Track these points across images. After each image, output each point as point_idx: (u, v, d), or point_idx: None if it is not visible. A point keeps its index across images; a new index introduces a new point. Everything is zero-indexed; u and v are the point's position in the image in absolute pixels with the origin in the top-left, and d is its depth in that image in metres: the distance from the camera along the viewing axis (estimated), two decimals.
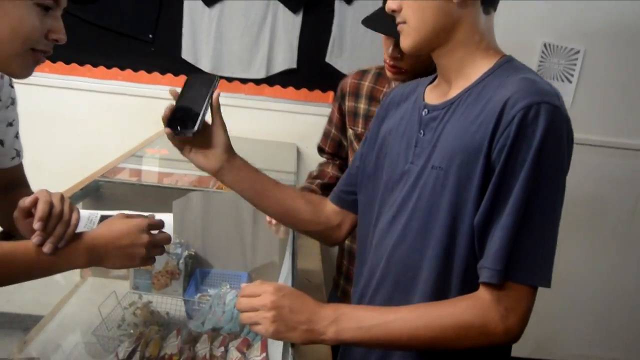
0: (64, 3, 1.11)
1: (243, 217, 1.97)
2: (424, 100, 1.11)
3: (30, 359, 1.28)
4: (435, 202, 1.00)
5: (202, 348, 1.30)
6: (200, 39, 2.95)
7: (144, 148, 2.61)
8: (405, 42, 1.05)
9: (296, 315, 0.96)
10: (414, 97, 1.15)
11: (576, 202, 3.05)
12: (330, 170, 2.01)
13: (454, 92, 1.05)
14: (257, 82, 3.00)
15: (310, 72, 2.97)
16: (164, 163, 2.69)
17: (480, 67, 1.03)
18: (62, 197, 1.10)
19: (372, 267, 1.14)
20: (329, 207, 1.32)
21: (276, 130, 3.03)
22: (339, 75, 2.86)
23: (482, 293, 0.96)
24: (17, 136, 1.40)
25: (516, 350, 1.15)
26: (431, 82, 1.15)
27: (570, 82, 3.00)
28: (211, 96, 1.14)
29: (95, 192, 1.95)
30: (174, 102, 1.16)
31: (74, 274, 1.81)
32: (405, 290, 1.07)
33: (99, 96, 3.01)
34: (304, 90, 3.00)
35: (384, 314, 0.98)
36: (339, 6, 2.90)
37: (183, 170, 2.54)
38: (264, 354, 1.29)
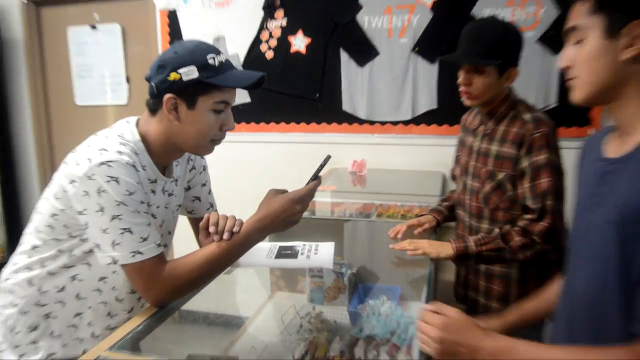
0: (232, 102, 1.26)
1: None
2: (603, 152, 0.99)
3: (231, 358, 1.45)
4: (609, 254, 0.89)
5: (358, 351, 1.36)
6: (356, 92, 3.04)
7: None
8: (576, 96, 0.96)
9: (459, 348, 0.95)
10: (597, 147, 1.03)
11: None
12: (455, 194, 1.96)
13: (629, 147, 0.92)
14: (406, 122, 3.00)
15: (449, 110, 2.90)
16: (335, 195, 2.81)
17: None
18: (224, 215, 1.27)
19: (565, 301, 1.06)
20: None
21: (424, 161, 2.99)
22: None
23: (638, 345, 0.84)
24: (210, 192, 1.55)
25: None
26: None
27: None
28: (320, 167, 1.31)
29: None
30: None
31: (266, 290, 1.97)
32: (592, 321, 0.96)
33: (281, 146, 3.22)
34: (445, 126, 2.95)
35: (539, 350, 0.91)
36: None
37: (351, 199, 2.64)
38: (409, 357, 1.31)
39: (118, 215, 1.12)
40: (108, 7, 3.50)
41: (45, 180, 3.82)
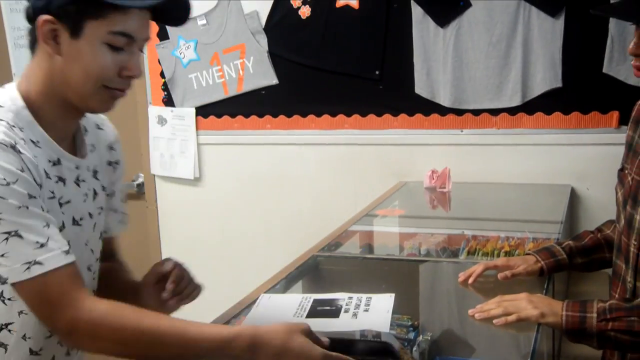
0: (141, 37, 1.32)
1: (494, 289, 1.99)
2: None
3: None
4: None
5: None
6: (436, 67, 3.04)
7: (377, 207, 2.78)
8: None
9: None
10: None
11: None
12: (606, 228, 1.90)
13: None
14: (512, 111, 2.95)
15: (583, 90, 2.83)
16: (404, 222, 2.83)
17: None
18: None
19: None
20: None
21: (541, 169, 2.94)
22: (624, 89, 2.73)
23: None
24: (122, 199, 1.66)
25: None
26: None
27: None
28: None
29: (314, 270, 2.12)
30: None
31: None
32: None
33: (325, 149, 3.27)
34: (575, 115, 2.86)
35: None
36: None
37: (428, 228, 2.65)
38: None
39: None
40: None
41: None
